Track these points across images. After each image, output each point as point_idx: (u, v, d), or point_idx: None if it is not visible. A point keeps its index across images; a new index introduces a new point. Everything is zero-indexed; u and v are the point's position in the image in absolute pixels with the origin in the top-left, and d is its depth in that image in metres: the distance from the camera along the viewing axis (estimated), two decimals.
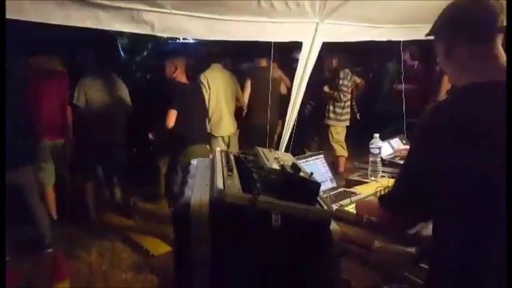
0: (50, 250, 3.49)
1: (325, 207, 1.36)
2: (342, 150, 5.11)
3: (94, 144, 3.97)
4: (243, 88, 4.56)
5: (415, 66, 5.51)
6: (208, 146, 3.91)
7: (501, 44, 1.18)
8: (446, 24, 1.25)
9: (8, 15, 1.72)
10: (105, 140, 3.99)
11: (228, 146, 4.41)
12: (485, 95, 1.11)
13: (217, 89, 4.19)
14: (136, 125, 4.38)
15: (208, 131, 4.18)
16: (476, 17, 1.18)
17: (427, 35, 1.32)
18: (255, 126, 4.42)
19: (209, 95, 4.15)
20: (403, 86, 4.14)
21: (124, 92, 4.12)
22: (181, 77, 3.67)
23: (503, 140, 1.04)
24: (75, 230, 3.93)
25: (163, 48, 6.39)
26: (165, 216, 4.08)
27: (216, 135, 4.30)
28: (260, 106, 4.23)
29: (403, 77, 4.79)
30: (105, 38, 4.40)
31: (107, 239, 3.82)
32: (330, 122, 5.05)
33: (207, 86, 4.13)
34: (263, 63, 4.60)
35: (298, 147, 4.32)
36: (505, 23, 1.16)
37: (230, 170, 1.44)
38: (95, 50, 4.19)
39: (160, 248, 3.65)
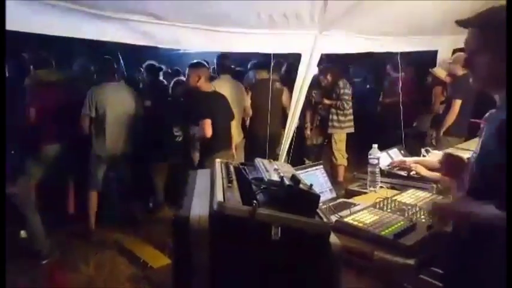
0: (46, 261, 3.47)
1: (324, 219, 1.35)
2: (342, 159, 5.19)
3: (101, 153, 3.98)
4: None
5: (400, 78, 5.14)
6: (233, 152, 3.95)
7: None
8: (489, 36, 1.26)
9: (10, 27, 1.75)
10: (114, 148, 4.00)
11: (233, 156, 4.45)
12: None
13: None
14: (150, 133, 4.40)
15: None
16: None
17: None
18: (257, 137, 4.40)
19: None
20: (383, 98, 4.19)
21: (134, 99, 4.14)
22: (205, 86, 3.67)
23: None
24: (73, 241, 3.91)
25: (185, 58, 6.49)
26: (164, 227, 4.07)
27: None
28: (262, 116, 4.25)
29: (388, 89, 4.90)
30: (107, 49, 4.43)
31: (106, 251, 3.80)
32: (334, 131, 5.17)
33: None
34: (264, 74, 4.64)
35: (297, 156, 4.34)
36: None
37: (230, 181, 1.44)
38: (101, 60, 4.22)
39: (158, 260, 3.63)
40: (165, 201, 4.71)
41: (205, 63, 3.84)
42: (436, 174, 2.34)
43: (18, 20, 1.78)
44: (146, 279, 3.34)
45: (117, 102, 3.97)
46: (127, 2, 1.95)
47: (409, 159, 2.47)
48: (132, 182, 4.41)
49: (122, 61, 6.33)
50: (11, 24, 1.72)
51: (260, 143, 4.11)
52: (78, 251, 3.74)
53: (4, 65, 1.87)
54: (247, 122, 4.68)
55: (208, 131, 3.47)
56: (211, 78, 4.21)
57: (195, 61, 3.75)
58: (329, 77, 5.15)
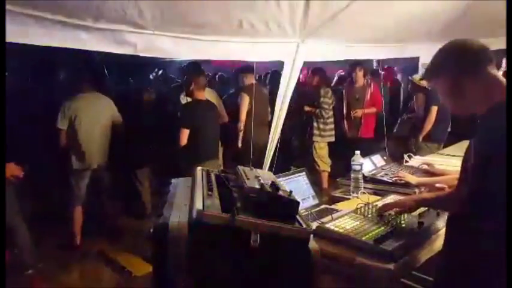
0: (30, 271, 3.40)
1: (304, 225, 1.37)
2: (324, 165, 5.25)
3: (82, 164, 3.94)
4: (239, 105, 4.48)
5: (371, 86, 5.30)
6: (219, 162, 3.93)
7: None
8: (445, 67, 1.46)
9: None
10: (93, 160, 3.96)
11: None
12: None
13: None
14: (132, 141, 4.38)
15: None
16: (473, 52, 1.42)
17: (426, 80, 1.60)
18: (252, 144, 4.22)
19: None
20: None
21: (112, 108, 4.11)
22: (199, 94, 3.64)
23: None
24: (56, 252, 3.84)
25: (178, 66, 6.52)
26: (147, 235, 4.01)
27: None
28: (256, 123, 4.22)
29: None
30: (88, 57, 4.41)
31: (89, 260, 3.75)
32: (315, 138, 5.21)
33: None
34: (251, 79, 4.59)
35: (285, 164, 4.34)
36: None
37: (210, 189, 1.45)
38: (77, 69, 4.19)
39: (143, 269, 3.59)
40: (152, 210, 4.68)
41: (203, 70, 3.83)
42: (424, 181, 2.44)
43: None
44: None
45: (90, 113, 3.93)
46: (107, 12, 1.95)
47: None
48: (116, 192, 4.37)
49: (106, 70, 6.33)
50: None
51: (260, 149, 3.98)
52: (62, 261, 3.68)
53: (4, 65, 1.86)
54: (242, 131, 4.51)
55: (182, 141, 3.48)
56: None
57: (189, 67, 3.74)
58: (315, 83, 5.21)
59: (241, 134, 4.46)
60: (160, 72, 7.33)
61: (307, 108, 5.18)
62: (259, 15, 2.34)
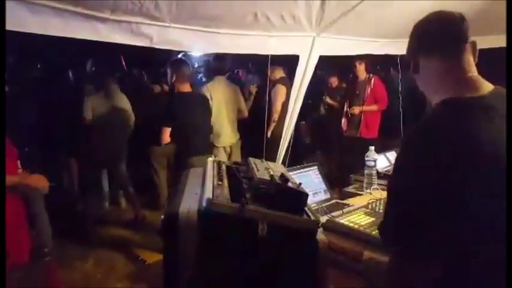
0: (47, 258, 3.50)
1: (312, 217, 1.37)
2: None
3: (99, 155, 4.04)
4: (275, 96, 4.49)
5: (372, 81, 4.92)
6: (212, 156, 3.89)
7: (472, 55, 1.17)
8: (412, 41, 1.25)
9: (9, 27, 1.78)
10: (110, 150, 4.06)
11: (229, 156, 4.46)
12: (465, 113, 1.07)
13: (219, 100, 4.25)
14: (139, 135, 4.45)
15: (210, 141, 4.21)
16: (435, 31, 1.18)
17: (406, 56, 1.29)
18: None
19: (211, 106, 4.18)
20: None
21: (126, 102, 4.22)
22: (181, 86, 3.51)
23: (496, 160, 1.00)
24: (71, 240, 3.95)
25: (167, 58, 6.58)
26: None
27: (217, 145, 4.34)
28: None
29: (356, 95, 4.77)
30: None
31: (103, 249, 3.83)
32: None
33: (210, 97, 4.16)
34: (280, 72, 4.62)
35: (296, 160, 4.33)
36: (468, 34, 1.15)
37: (220, 179, 1.47)
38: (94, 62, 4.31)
39: (156, 257, 3.66)
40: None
41: (184, 61, 3.73)
42: None
43: (15, 20, 1.80)
44: (144, 276, 3.37)
45: (106, 108, 4.09)
46: (124, 4, 1.98)
47: None
48: (133, 181, 4.46)
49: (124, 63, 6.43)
50: (7, 24, 1.75)
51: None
52: (77, 250, 3.77)
53: (4, 65, 1.91)
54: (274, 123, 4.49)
55: (164, 139, 3.44)
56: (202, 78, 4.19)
57: (173, 60, 3.73)
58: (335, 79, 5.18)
59: (272, 126, 4.44)
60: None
61: (329, 101, 5.18)
62: (275, 9, 2.33)
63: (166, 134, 3.42)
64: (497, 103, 1.08)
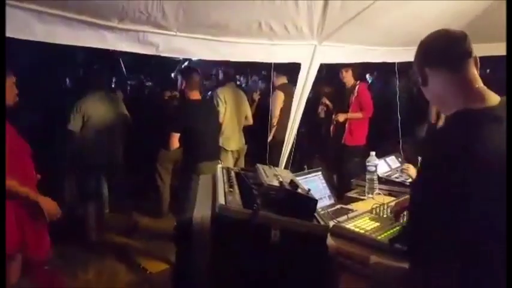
0: (46, 267, 3.49)
1: (322, 222, 1.41)
2: None
3: (97, 161, 4.02)
4: (273, 102, 4.55)
5: (357, 88, 4.85)
6: (220, 162, 3.93)
7: (475, 68, 1.25)
8: (417, 58, 1.32)
9: (17, 35, 1.80)
10: (107, 156, 4.05)
11: (237, 160, 4.54)
12: (479, 124, 1.13)
13: (231, 105, 4.37)
14: (139, 140, 4.47)
15: (220, 144, 4.26)
16: (442, 47, 1.26)
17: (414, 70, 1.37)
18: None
19: (225, 109, 4.35)
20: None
21: (121, 106, 4.22)
22: (191, 93, 3.56)
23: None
24: (72, 248, 3.92)
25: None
26: (164, 233, 4.09)
27: (227, 149, 4.42)
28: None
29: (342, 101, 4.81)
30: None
31: (105, 257, 3.82)
32: None
33: (223, 100, 4.32)
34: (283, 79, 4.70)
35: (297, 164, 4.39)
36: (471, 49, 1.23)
37: (231, 186, 1.50)
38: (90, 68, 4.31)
39: (158, 265, 3.66)
40: (169, 208, 4.76)
41: (195, 69, 3.80)
42: None
43: (22, 28, 1.83)
44: (146, 284, 3.37)
45: (102, 111, 4.02)
46: (132, 12, 2.01)
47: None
48: (133, 190, 4.46)
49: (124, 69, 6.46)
50: (15, 32, 1.77)
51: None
52: (78, 258, 3.76)
53: (4, 65, 1.93)
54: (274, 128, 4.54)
55: (172, 145, 3.48)
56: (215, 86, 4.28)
57: (183, 67, 3.79)
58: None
59: (273, 130, 4.50)
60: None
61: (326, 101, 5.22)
62: (278, 18, 2.38)
63: (175, 140, 3.46)
64: (505, 114, 1.14)
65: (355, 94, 4.83)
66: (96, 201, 4.10)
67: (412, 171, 2.53)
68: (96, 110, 3.96)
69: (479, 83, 1.23)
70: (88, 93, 4.02)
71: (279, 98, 4.54)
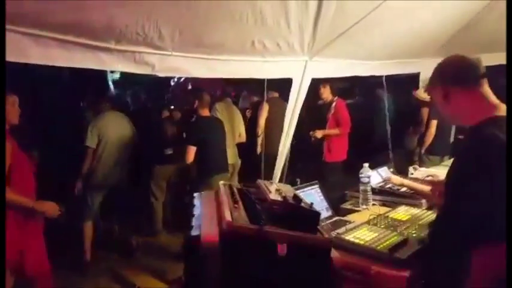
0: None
1: (325, 235, 1.45)
2: None
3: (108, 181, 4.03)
4: (258, 113, 4.68)
5: (333, 105, 4.85)
6: (229, 176, 4.07)
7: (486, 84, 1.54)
8: (440, 78, 1.59)
9: (13, 58, 1.81)
10: (117, 176, 4.07)
11: (231, 174, 4.53)
12: (504, 129, 1.36)
13: (227, 119, 4.43)
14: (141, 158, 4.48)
15: None
16: (466, 69, 1.55)
17: (426, 90, 1.69)
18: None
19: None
20: None
21: (129, 126, 4.25)
22: (202, 111, 3.87)
23: None
24: (66, 268, 3.88)
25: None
26: (159, 251, 4.08)
27: None
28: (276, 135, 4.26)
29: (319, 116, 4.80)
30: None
31: (100, 277, 3.78)
32: None
33: (219, 115, 4.40)
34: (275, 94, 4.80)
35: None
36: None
37: (235, 202, 1.52)
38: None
39: (153, 285, 3.63)
40: (163, 227, 4.73)
41: (205, 89, 4.08)
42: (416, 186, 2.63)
43: (18, 51, 1.84)
44: None
45: (115, 130, 4.07)
46: (129, 34, 2.04)
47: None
48: (129, 209, 4.43)
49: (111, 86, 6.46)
50: (11, 55, 1.78)
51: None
52: (73, 280, 3.71)
53: (4, 65, 1.95)
54: (260, 141, 4.58)
55: (189, 158, 3.65)
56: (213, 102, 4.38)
57: (194, 88, 3.96)
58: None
59: (259, 140, 4.57)
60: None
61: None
62: (271, 36, 2.45)
63: (192, 153, 3.64)
64: None
65: (332, 111, 4.84)
66: (91, 220, 4.04)
67: (395, 181, 2.78)
68: (107, 129, 4.00)
69: (493, 97, 1.52)
70: (103, 111, 4.09)
71: (264, 109, 4.65)
